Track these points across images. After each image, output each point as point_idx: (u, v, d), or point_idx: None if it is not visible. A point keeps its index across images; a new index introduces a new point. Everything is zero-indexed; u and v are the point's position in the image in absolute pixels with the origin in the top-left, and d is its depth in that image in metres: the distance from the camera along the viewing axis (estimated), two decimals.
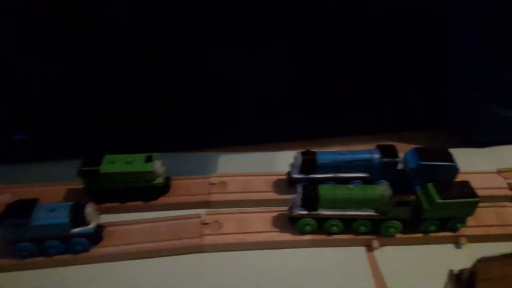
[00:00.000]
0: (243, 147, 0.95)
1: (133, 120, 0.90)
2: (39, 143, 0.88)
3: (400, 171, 0.79)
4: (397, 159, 0.78)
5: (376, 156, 0.78)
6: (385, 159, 0.77)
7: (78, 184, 0.78)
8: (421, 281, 0.67)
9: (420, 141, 0.95)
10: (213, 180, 0.83)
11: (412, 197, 0.69)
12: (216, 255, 0.71)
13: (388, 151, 0.78)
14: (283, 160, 0.88)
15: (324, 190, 0.71)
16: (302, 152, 0.78)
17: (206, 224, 0.74)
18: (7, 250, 0.67)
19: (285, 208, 0.76)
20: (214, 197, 0.80)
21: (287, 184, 0.82)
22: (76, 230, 0.67)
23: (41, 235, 0.66)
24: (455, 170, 0.75)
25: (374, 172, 0.78)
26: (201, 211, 0.77)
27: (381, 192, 0.70)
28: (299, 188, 0.71)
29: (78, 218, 0.66)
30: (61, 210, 0.66)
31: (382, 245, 0.73)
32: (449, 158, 0.76)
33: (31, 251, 0.67)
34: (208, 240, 0.72)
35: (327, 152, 0.79)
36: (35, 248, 0.67)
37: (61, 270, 0.68)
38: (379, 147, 0.80)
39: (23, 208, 0.65)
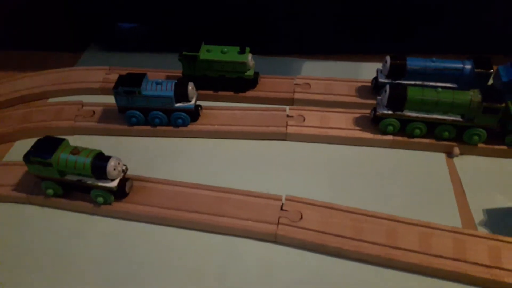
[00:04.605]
0: (327, 56, 0.97)
1: (229, 21, 0.95)
2: (146, 32, 0.96)
3: (491, 86, 0.77)
4: (490, 70, 0.76)
5: (469, 66, 0.77)
6: (478, 70, 0.76)
7: (178, 72, 0.85)
8: (501, 196, 0.68)
9: None
10: (298, 81, 0.87)
11: (502, 105, 0.69)
12: (298, 144, 0.77)
13: (482, 62, 0.76)
14: (368, 70, 0.90)
15: (413, 91, 0.71)
16: (391, 56, 0.79)
17: (291, 116, 0.79)
18: (119, 116, 0.77)
19: (367, 111, 0.79)
20: (298, 96, 0.84)
21: (372, 89, 0.84)
22: (179, 104, 0.75)
23: (148, 105, 0.74)
24: None
25: (464, 83, 0.77)
26: (285, 107, 0.82)
27: (471, 97, 0.69)
28: (387, 88, 0.73)
29: (181, 93, 0.74)
30: (167, 84, 0.74)
31: (462, 153, 0.74)
32: None
33: (139, 119, 0.76)
34: (292, 129, 0.77)
35: (418, 58, 0.79)
36: (143, 117, 0.76)
37: (163, 140, 0.77)
38: (473, 57, 0.78)
39: (134, 79, 0.73)
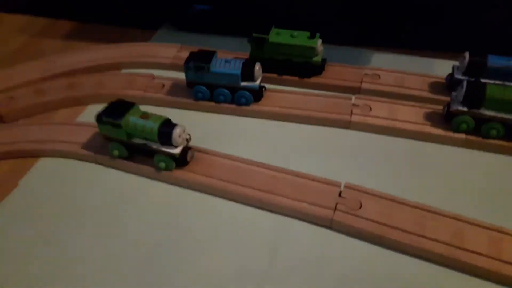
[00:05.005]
0: (399, 49, 0.94)
1: (301, 7, 0.94)
2: (219, 15, 0.98)
3: None
4: None
5: None
6: None
7: (246, 55, 0.85)
8: None
9: None
10: (367, 71, 0.85)
11: None
12: (362, 134, 0.74)
13: None
14: (442, 66, 0.85)
15: (492, 89, 0.67)
16: (470, 52, 0.74)
17: (356, 105, 0.77)
18: (186, 91, 0.79)
19: (439, 107, 0.75)
20: (365, 85, 0.81)
21: (446, 85, 0.79)
22: (244, 83, 0.75)
23: (215, 82, 0.75)
24: None
25: None
26: (351, 96, 0.80)
27: None
28: (464, 84, 0.69)
29: (248, 73, 0.74)
30: (235, 63, 0.75)
31: None
32: None
33: (204, 95, 0.77)
34: (357, 118, 0.74)
35: (499, 56, 0.74)
36: (209, 93, 0.77)
37: (225, 117, 0.78)
38: None
39: (205, 56, 0.75)
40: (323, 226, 0.61)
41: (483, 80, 0.74)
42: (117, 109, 0.65)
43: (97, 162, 0.70)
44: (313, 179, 0.64)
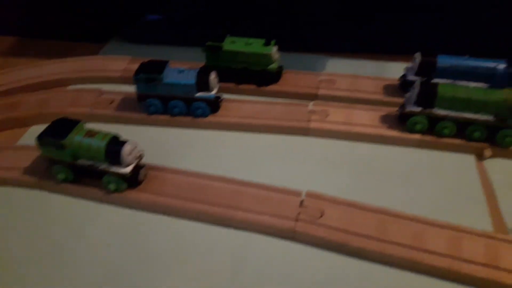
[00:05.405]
0: (353, 54, 0.94)
1: (255, 16, 0.93)
2: (169, 25, 0.95)
3: None
4: None
5: (502, 65, 0.73)
6: None
7: (201, 65, 0.81)
8: None
9: None
10: (322, 77, 0.84)
11: None
12: (321, 140, 0.74)
13: None
14: (395, 68, 0.86)
15: (444, 88, 0.68)
16: (422, 53, 0.76)
17: (314, 112, 0.76)
18: (138, 105, 0.76)
19: (394, 109, 0.75)
20: (322, 91, 0.81)
21: (399, 87, 0.80)
22: (200, 94, 0.73)
23: (169, 93, 0.72)
24: None
25: (497, 84, 0.72)
26: (308, 103, 0.79)
27: (505, 95, 0.65)
28: (416, 84, 0.70)
29: (203, 82, 0.72)
30: (189, 73, 0.72)
31: (494, 156, 0.70)
32: None
33: (157, 108, 0.74)
34: (315, 125, 0.74)
35: (449, 56, 0.75)
36: (162, 105, 0.74)
37: (181, 131, 0.75)
38: (508, 57, 0.74)
39: (156, 66, 0.72)
40: (286, 238, 0.59)
41: (434, 80, 0.76)
42: (60, 129, 0.60)
43: (41, 188, 0.65)
44: (274, 189, 0.63)
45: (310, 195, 0.62)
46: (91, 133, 0.60)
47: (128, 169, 0.60)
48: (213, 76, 0.72)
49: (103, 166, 0.60)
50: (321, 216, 0.59)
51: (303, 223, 0.58)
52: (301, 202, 0.61)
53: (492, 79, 0.74)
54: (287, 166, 0.69)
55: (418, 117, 0.70)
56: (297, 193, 0.62)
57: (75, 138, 0.59)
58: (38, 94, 0.81)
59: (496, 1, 0.85)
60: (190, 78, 0.71)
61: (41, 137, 0.61)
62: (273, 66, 0.80)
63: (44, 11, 0.97)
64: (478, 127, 0.69)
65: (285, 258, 0.57)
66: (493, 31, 0.88)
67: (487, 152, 0.69)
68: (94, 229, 0.60)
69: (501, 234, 0.57)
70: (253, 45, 0.78)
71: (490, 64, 0.74)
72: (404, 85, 0.78)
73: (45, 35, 1.01)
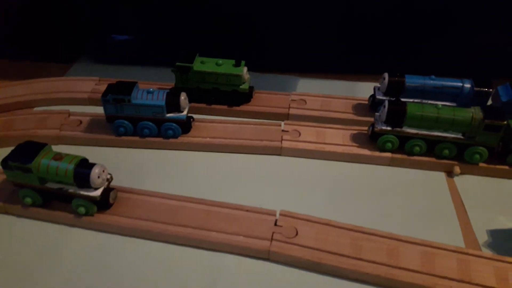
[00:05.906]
0: (323, 74, 0.96)
1: (225, 36, 0.94)
2: (138, 45, 0.95)
3: (490, 105, 0.76)
4: (490, 89, 0.75)
5: (468, 85, 0.75)
6: (478, 88, 0.75)
7: (171, 85, 0.82)
8: (503, 217, 0.65)
9: None
10: (294, 97, 0.85)
11: (504, 122, 0.67)
12: (293, 159, 0.74)
13: (482, 81, 0.75)
14: (364, 88, 0.88)
15: (412, 107, 0.69)
16: (390, 73, 0.77)
17: (286, 131, 0.76)
18: (106, 127, 0.74)
19: (364, 128, 0.77)
20: (293, 111, 0.82)
21: (369, 106, 0.82)
22: (170, 115, 0.72)
23: (138, 114, 0.71)
24: None
25: (463, 102, 0.75)
26: (280, 122, 0.79)
27: (472, 114, 0.67)
28: (385, 103, 0.71)
29: (173, 103, 0.71)
30: (158, 94, 0.71)
31: (463, 172, 0.71)
32: None
33: (127, 129, 0.73)
34: (287, 144, 0.74)
35: (417, 76, 0.77)
36: (131, 127, 0.73)
37: (152, 152, 0.74)
38: (473, 76, 0.77)
39: (124, 87, 0.71)
40: (261, 258, 0.58)
41: (403, 99, 0.78)
42: (26, 152, 0.58)
43: (7, 212, 0.63)
44: (248, 209, 0.62)
45: (284, 214, 0.61)
46: (59, 156, 0.58)
47: (98, 192, 0.58)
48: (183, 97, 0.72)
49: (72, 189, 0.58)
50: (296, 235, 0.58)
51: (278, 242, 0.57)
52: (276, 222, 0.60)
53: (459, 98, 0.76)
54: (260, 186, 0.69)
55: (389, 136, 0.71)
56: (271, 213, 0.61)
57: (42, 161, 0.57)
58: (2, 116, 0.78)
59: (458, 24, 0.89)
60: (160, 99, 0.70)
61: (5, 162, 0.58)
62: (245, 86, 0.80)
63: (9, 32, 0.95)
64: (447, 145, 0.70)
65: (260, 278, 0.56)
66: (457, 51, 0.92)
67: (457, 169, 0.71)
68: (64, 253, 0.58)
69: (472, 249, 0.58)
70: (224, 66, 0.79)
71: (457, 83, 0.76)
72: (373, 104, 0.80)
73: (10, 56, 0.98)
